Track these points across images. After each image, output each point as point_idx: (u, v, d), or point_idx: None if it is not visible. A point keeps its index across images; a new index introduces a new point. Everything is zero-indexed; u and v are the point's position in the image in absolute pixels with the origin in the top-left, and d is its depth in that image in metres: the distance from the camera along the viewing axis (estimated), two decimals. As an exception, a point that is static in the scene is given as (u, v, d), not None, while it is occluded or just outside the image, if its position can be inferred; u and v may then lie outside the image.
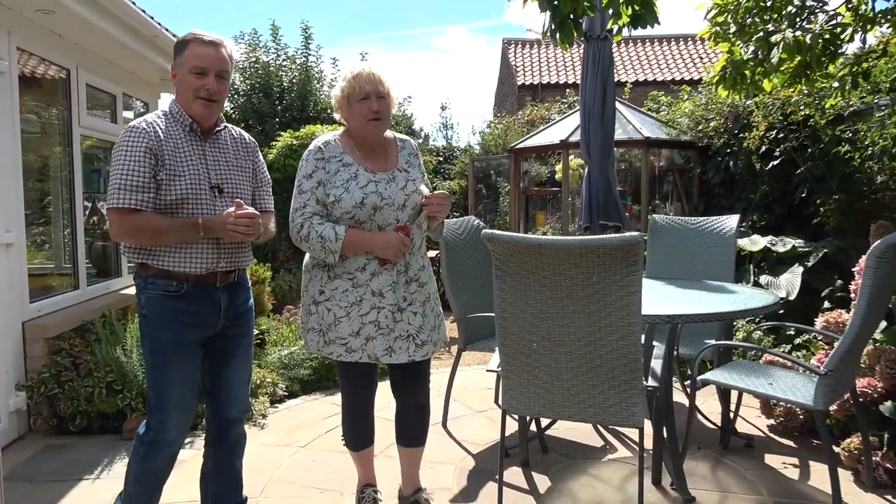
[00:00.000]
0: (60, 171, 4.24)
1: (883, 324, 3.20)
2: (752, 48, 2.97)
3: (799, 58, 2.82)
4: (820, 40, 3.29)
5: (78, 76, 4.19)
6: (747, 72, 2.97)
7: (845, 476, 2.91)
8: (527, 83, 16.64)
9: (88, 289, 4.32)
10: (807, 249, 4.92)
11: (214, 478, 2.42)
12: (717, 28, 3.87)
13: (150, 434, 2.20)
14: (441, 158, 12.19)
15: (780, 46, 2.76)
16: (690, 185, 7.22)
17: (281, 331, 4.82)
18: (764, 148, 5.67)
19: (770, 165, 5.63)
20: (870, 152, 4.57)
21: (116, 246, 4.91)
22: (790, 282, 4.71)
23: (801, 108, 5.27)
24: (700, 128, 6.78)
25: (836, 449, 2.99)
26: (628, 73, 16.12)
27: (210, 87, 2.15)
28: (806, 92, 4.40)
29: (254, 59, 10.12)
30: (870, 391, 3.01)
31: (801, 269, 4.75)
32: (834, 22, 3.18)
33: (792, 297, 4.58)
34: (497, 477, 2.72)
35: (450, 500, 2.81)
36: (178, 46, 2.21)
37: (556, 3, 3.20)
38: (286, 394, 4.17)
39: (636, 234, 2.09)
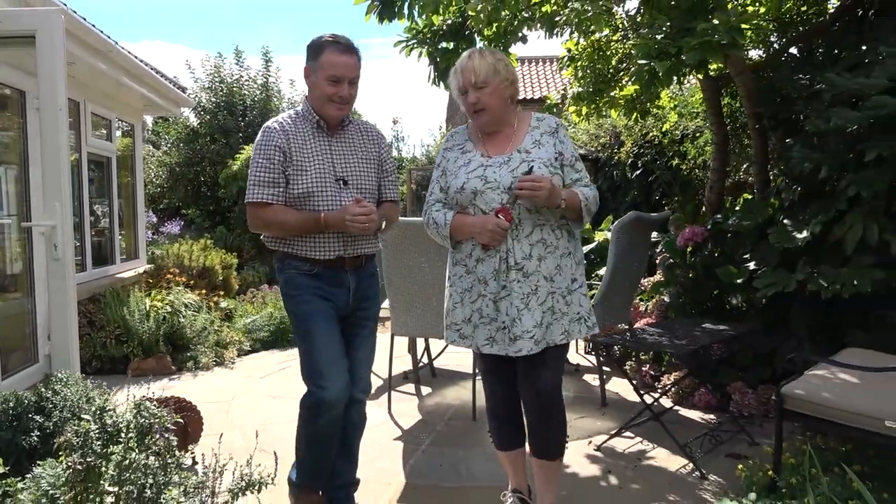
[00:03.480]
0: (73, 179, 5.46)
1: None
2: (559, 96, 4.46)
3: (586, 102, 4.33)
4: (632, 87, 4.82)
5: (86, 107, 5.44)
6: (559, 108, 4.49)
7: (628, 385, 4.35)
8: (472, 98, 17.66)
9: (93, 271, 5.56)
10: (657, 239, 6.46)
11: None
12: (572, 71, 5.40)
13: (311, 397, 2.29)
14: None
15: (570, 97, 4.26)
16: (587, 190, 8.72)
17: (245, 307, 6.15)
18: (630, 161, 7.21)
19: (635, 175, 7.16)
20: (692, 164, 6.13)
21: (110, 240, 6.14)
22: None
23: (652, 129, 6.81)
24: (592, 144, 8.30)
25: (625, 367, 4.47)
26: (539, 91, 16.37)
27: (344, 94, 2.26)
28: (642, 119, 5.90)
29: (219, 80, 11.32)
30: (647, 327, 4.47)
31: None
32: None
33: (638, 274, 6.13)
34: (395, 386, 4.07)
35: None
36: (315, 49, 2.26)
37: (437, 59, 4.61)
38: (250, 349, 5.48)
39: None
